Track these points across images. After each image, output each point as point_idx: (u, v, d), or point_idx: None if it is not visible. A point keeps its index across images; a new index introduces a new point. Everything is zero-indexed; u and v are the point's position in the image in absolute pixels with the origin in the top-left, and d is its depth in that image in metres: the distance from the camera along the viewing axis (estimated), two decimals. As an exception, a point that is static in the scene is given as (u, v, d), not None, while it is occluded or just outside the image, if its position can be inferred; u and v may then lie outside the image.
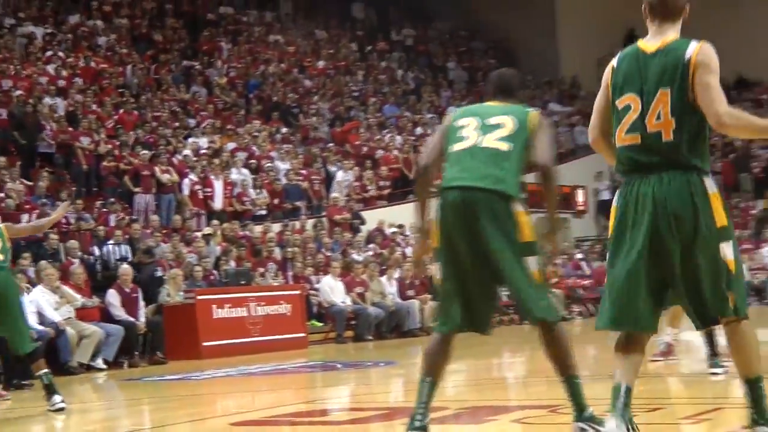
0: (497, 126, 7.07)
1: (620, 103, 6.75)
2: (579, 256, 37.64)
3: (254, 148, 34.65)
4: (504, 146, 6.98)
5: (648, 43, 6.86)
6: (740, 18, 46.75)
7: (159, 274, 23.41)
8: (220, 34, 42.26)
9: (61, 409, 11.42)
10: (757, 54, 47.42)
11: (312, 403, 12.74)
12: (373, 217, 30.99)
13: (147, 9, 41.07)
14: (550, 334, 7.02)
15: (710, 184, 6.47)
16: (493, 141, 6.99)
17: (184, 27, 41.39)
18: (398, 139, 36.87)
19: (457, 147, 7.11)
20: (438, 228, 6.99)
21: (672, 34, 6.75)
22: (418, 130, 39.16)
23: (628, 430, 6.47)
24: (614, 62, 7.05)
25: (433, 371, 7.08)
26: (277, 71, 41.15)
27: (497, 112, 7.26)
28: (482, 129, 7.08)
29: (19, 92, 30.05)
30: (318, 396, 14.06)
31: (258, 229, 29.93)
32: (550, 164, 7.12)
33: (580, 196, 42.79)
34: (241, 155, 33.30)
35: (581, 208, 42.79)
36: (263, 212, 31.73)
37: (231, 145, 33.94)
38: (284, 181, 33.44)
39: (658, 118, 6.50)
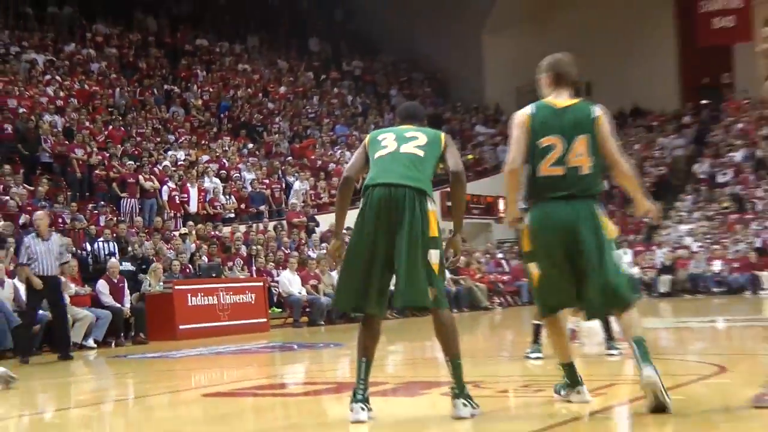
0: (413, 138, 7.46)
1: (542, 143, 7.48)
2: (500, 255, 37.78)
3: (224, 160, 34.69)
4: (420, 152, 7.34)
5: (556, 101, 7.72)
6: (635, 56, 46.87)
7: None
8: (196, 62, 42.18)
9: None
10: (650, 88, 47.59)
11: (272, 378, 12.74)
12: (325, 221, 30.90)
13: (133, 40, 41.06)
14: (440, 320, 7.19)
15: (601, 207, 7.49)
16: (411, 148, 7.36)
17: (165, 56, 41.35)
18: (347, 154, 36.74)
19: (379, 154, 7.38)
20: (361, 221, 7.22)
21: (569, 95, 7.75)
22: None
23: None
24: (529, 111, 7.68)
25: (368, 352, 7.32)
26: (244, 95, 41.17)
27: (411, 130, 7.60)
28: (400, 140, 7.41)
29: (22, 110, 30.07)
30: (277, 372, 14.07)
31: (227, 229, 30.04)
32: (461, 170, 7.50)
33: (501, 204, 42.85)
34: (213, 166, 33.38)
35: (502, 215, 42.81)
36: (231, 215, 31.85)
37: (204, 158, 33.98)
38: (249, 189, 33.55)
39: (578, 156, 7.36)
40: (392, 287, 7.37)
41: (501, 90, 49.74)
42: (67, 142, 29.53)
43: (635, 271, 35.88)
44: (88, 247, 24.00)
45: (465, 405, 7.01)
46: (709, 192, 42.11)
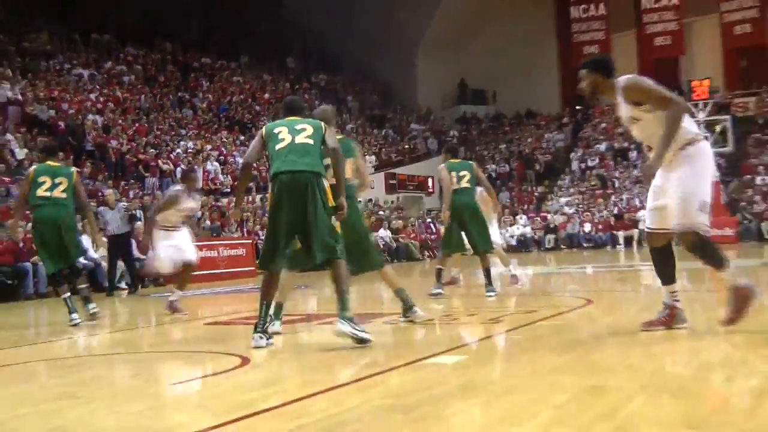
0: (303, 129, 7.36)
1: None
2: (429, 220, 37.78)
3: (223, 149, 34.80)
4: (310, 141, 7.29)
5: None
6: (528, 72, 46.94)
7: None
8: (201, 76, 41.98)
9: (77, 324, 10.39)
10: (539, 95, 47.73)
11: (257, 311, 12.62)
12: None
13: (154, 59, 40.81)
14: (338, 267, 7.21)
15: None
16: (303, 139, 7.28)
17: (178, 71, 41.11)
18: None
19: (279, 146, 7.30)
20: (272, 199, 7.30)
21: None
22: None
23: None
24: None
25: (269, 297, 7.49)
26: (237, 100, 41.05)
27: (298, 122, 7.48)
28: (293, 132, 7.33)
29: (72, 111, 30.24)
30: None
31: (224, 200, 29.91)
32: (337, 146, 7.47)
33: (429, 182, 42.87)
34: (214, 153, 33.47)
35: (431, 190, 42.86)
36: (227, 190, 31.69)
37: (208, 147, 33.94)
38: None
39: None
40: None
41: (430, 97, 49.78)
42: (105, 135, 29.92)
43: (528, 231, 36.12)
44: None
45: (343, 323, 6.94)
46: (581, 173, 42.39)
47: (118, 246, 19.79)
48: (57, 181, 9.86)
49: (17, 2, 37.99)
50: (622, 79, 6.59)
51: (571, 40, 47.00)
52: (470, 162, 13.40)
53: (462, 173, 12.71)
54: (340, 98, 46.63)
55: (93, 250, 18.68)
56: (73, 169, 10.07)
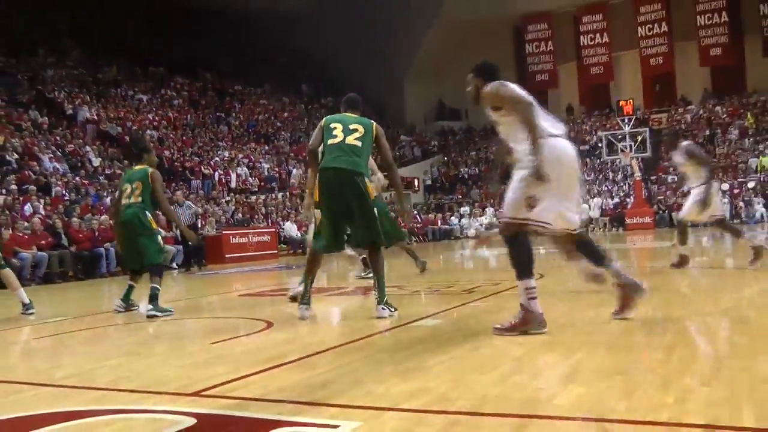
0: (354, 130, 6.80)
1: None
2: (415, 212, 37.80)
3: (252, 156, 34.69)
4: (359, 143, 6.73)
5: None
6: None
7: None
8: (234, 99, 41.93)
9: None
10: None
11: (280, 285, 12.66)
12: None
13: (197, 86, 40.76)
14: (377, 252, 6.88)
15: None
16: (353, 140, 6.73)
17: (216, 95, 41.06)
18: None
19: (330, 141, 6.75)
20: (319, 190, 6.72)
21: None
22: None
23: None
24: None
25: (313, 273, 7.07)
26: (263, 118, 40.99)
27: (353, 121, 6.91)
28: (345, 131, 6.78)
29: (134, 128, 30.18)
30: (283, 282, 13.95)
31: (253, 198, 29.93)
32: (393, 162, 7.10)
33: (416, 182, 42.89)
34: (245, 160, 33.34)
35: (416, 188, 42.88)
36: (256, 189, 31.70)
37: (240, 156, 33.82)
38: (266, 173, 33.41)
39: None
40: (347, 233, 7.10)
41: (415, 114, 49.80)
42: (159, 147, 29.76)
43: (494, 221, 36.15)
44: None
45: (383, 309, 6.69)
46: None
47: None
48: (134, 186, 9.01)
49: (92, 43, 38.07)
50: (487, 86, 5.61)
51: (526, 69, 47.21)
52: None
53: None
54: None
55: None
56: (149, 169, 9.03)
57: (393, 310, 6.74)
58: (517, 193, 5.24)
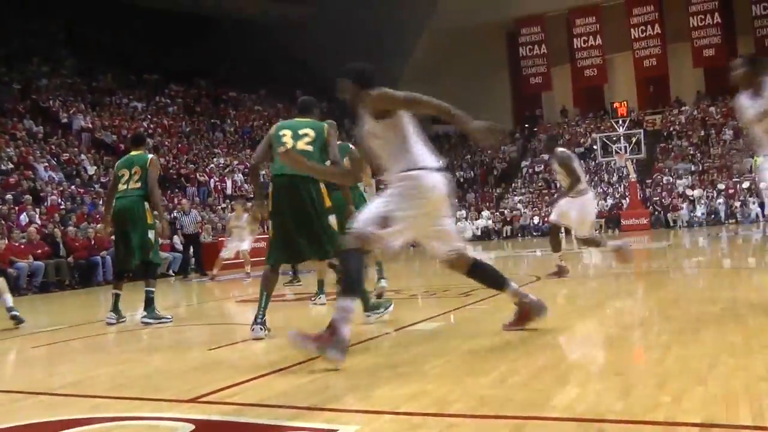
0: (305, 135, 6.48)
1: None
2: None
3: (247, 163, 34.55)
4: (309, 148, 6.37)
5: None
6: (487, 98, 47.00)
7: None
8: (229, 106, 41.89)
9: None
10: (495, 117, 47.43)
11: (279, 291, 12.58)
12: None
13: (192, 93, 40.72)
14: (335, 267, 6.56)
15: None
16: (303, 145, 6.38)
17: (211, 102, 41.06)
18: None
19: (280, 149, 6.27)
20: (271, 200, 6.41)
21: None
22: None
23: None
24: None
25: (269, 289, 6.55)
26: (258, 124, 40.88)
27: (303, 126, 6.60)
28: (295, 137, 6.46)
29: (129, 135, 30.04)
30: (279, 288, 13.91)
31: (249, 204, 29.92)
32: (338, 160, 6.55)
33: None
34: (240, 167, 33.20)
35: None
36: (251, 196, 31.67)
37: (235, 162, 33.73)
38: (263, 179, 33.38)
39: None
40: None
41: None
42: (155, 154, 29.48)
43: (489, 224, 36.16)
44: (168, 216, 23.77)
45: (368, 315, 6.52)
46: (530, 177, 42.44)
47: (190, 242, 21.32)
48: (133, 171, 8.40)
49: (88, 51, 38.07)
50: (373, 90, 5.10)
51: (520, 72, 47.30)
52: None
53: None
54: (338, 122, 46.59)
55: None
56: (150, 155, 8.49)
57: (383, 310, 6.59)
58: (379, 209, 4.89)
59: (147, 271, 8.23)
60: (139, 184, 8.24)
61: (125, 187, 8.25)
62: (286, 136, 6.50)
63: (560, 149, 10.28)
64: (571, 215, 9.95)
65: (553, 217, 10.02)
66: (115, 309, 8.30)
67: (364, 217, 4.84)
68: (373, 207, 4.94)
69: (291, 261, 7.02)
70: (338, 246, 5.81)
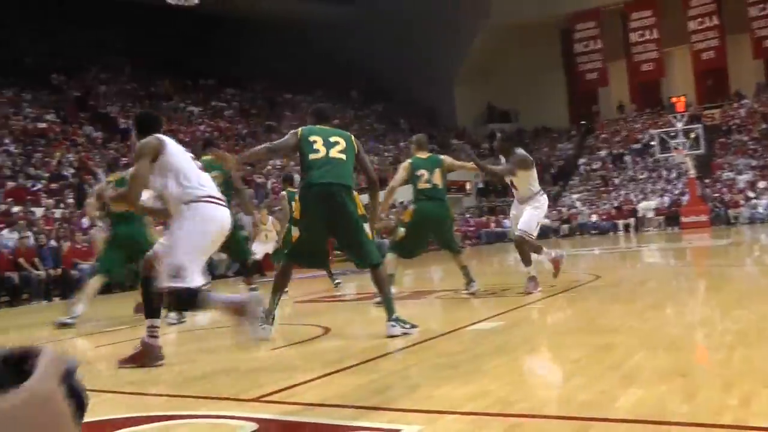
0: (336, 143, 6.36)
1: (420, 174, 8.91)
2: (468, 215, 37.85)
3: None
4: (343, 157, 6.30)
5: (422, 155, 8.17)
6: (543, 96, 46.71)
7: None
8: (285, 108, 42.25)
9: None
10: (552, 114, 47.45)
11: (337, 290, 12.60)
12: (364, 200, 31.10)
13: (248, 96, 41.17)
14: (377, 271, 6.31)
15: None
16: (336, 153, 6.28)
17: (267, 105, 41.44)
18: (375, 159, 36.66)
19: (313, 156, 6.23)
20: (302, 206, 6.35)
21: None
22: (387, 154, 39.23)
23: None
24: (410, 161, 8.80)
25: (282, 287, 6.77)
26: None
27: (332, 134, 6.47)
28: (327, 145, 6.31)
29: (187, 139, 30.46)
30: (340, 287, 13.90)
31: (275, 207, 30.16)
32: (375, 176, 6.67)
33: (468, 186, 42.78)
34: (297, 168, 33.34)
35: (469, 192, 42.75)
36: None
37: (291, 163, 33.89)
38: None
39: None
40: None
41: (465, 117, 49.58)
42: (211, 157, 29.92)
43: (547, 222, 35.94)
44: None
45: (393, 326, 6.12)
46: (587, 175, 42.04)
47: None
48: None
49: (144, 58, 38.74)
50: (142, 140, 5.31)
51: (575, 68, 46.86)
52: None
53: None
54: (394, 122, 46.58)
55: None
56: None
57: (408, 327, 6.18)
58: (166, 254, 5.13)
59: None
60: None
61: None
62: (318, 142, 6.36)
63: (519, 150, 9.52)
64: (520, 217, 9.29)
65: (517, 233, 9.31)
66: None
67: (171, 249, 5.12)
68: (175, 237, 5.16)
69: (312, 266, 7.30)
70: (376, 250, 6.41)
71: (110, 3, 38.43)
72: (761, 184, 33.61)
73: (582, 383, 3.77)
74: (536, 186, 9.37)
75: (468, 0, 44.17)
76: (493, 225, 36.66)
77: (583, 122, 46.62)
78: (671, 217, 33.07)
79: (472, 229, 34.99)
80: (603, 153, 43.20)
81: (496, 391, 3.71)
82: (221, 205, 5.37)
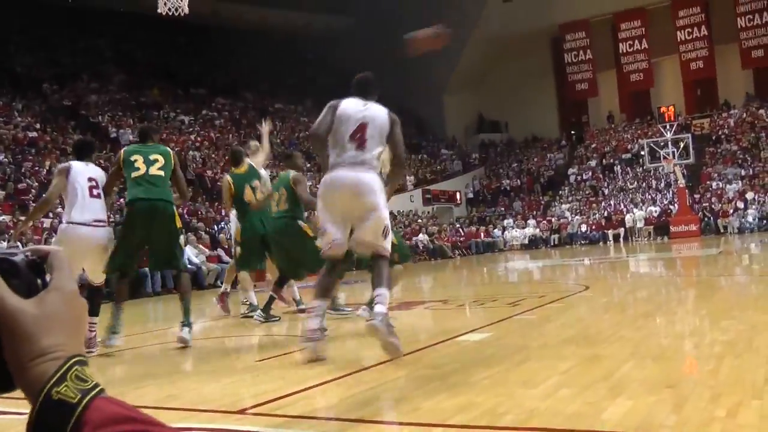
0: (156, 160, 6.94)
1: None
2: (458, 225, 37.80)
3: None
4: (161, 173, 6.90)
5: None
6: (533, 106, 46.82)
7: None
8: (276, 117, 42.17)
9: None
10: (542, 124, 47.60)
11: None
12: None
13: (239, 106, 41.12)
14: (181, 279, 7.28)
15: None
16: (155, 170, 6.89)
17: (258, 114, 41.35)
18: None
19: (134, 174, 6.91)
20: (130, 225, 6.98)
21: None
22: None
23: None
24: None
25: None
26: (304, 135, 41.12)
27: (153, 152, 7.06)
28: (147, 163, 6.91)
29: (177, 149, 30.38)
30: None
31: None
32: (186, 193, 7.51)
33: (457, 195, 42.81)
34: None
35: (459, 202, 42.80)
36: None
37: (282, 173, 33.95)
38: (308, 190, 33.65)
39: None
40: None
41: (455, 127, 49.72)
42: (202, 167, 29.87)
43: (537, 232, 35.96)
44: (215, 228, 23.85)
45: (183, 331, 6.99)
46: (577, 185, 42.13)
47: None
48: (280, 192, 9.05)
49: (135, 67, 38.67)
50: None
51: (565, 78, 47.05)
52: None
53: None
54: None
55: (194, 257, 19.02)
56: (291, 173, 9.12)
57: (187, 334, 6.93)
58: None
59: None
60: (286, 206, 9.02)
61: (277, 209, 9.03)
62: (138, 161, 7.07)
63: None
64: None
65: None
66: (267, 308, 8.92)
67: None
68: None
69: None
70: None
71: (102, 12, 38.46)
72: (750, 194, 33.74)
73: (570, 394, 3.75)
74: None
75: (458, 10, 44.28)
76: (482, 235, 36.72)
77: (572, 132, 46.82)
78: (661, 227, 33.17)
79: (462, 239, 35.02)
80: (593, 163, 43.33)
81: (483, 402, 3.68)
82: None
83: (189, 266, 18.05)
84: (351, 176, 5.38)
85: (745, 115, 41.57)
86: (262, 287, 11.75)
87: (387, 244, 5.46)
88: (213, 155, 32.88)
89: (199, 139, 33.97)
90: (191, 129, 35.08)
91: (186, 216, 22.02)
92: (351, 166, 5.42)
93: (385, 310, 5.10)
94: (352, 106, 5.61)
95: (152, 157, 6.99)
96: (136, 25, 38.99)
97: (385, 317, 5.05)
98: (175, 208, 7.01)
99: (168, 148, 7.30)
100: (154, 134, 7.51)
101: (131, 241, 7.00)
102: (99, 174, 7.22)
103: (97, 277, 7.19)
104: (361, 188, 5.36)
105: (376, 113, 5.57)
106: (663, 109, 37.15)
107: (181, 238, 7.30)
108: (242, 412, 3.95)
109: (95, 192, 6.97)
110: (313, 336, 5.39)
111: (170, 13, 20.28)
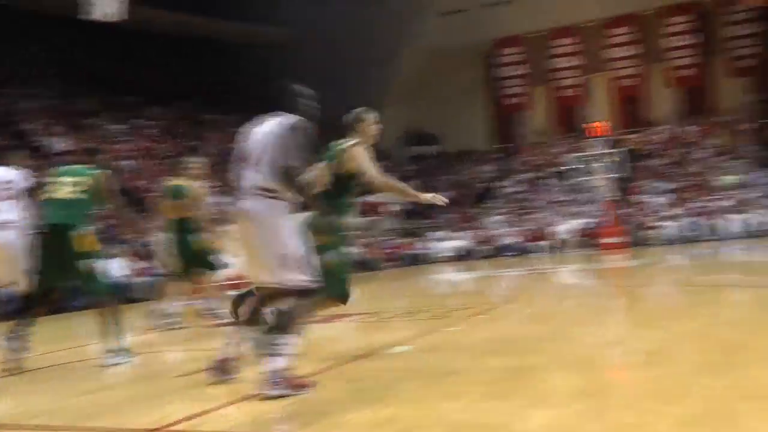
0: (68, 183, 6.82)
1: None
2: (388, 237, 37.93)
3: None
4: (73, 195, 6.75)
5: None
6: (466, 119, 47.24)
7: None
8: (210, 128, 41.83)
9: None
10: (473, 137, 48.02)
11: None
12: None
13: (173, 116, 40.62)
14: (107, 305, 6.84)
15: None
16: (65, 194, 6.76)
17: (192, 125, 40.93)
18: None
19: (46, 197, 6.84)
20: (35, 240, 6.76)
21: None
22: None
23: None
24: None
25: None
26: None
27: (68, 175, 6.96)
28: (59, 185, 6.82)
29: (108, 157, 29.94)
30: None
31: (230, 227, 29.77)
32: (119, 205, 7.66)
33: (389, 207, 42.94)
34: (223, 187, 33.06)
35: (390, 213, 42.94)
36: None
37: (219, 183, 33.65)
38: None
39: None
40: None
41: (389, 139, 49.80)
42: (135, 176, 29.28)
43: (467, 244, 36.15)
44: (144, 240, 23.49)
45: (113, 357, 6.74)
46: (508, 197, 42.60)
47: None
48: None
49: (66, 75, 37.97)
50: None
51: (499, 93, 47.66)
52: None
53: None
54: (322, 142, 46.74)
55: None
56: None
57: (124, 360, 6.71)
58: None
59: None
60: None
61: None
62: (57, 183, 6.95)
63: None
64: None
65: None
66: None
67: None
68: None
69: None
70: None
71: (34, 17, 37.67)
72: (674, 208, 34.62)
73: (494, 405, 3.74)
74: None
75: (394, 24, 44.47)
76: (412, 247, 36.87)
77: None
78: (590, 239, 33.67)
79: (389, 251, 35.09)
80: (525, 176, 43.84)
81: (408, 416, 3.65)
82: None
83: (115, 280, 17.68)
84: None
85: (673, 132, 42.69)
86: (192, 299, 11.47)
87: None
88: (146, 164, 32.37)
89: (131, 148, 33.45)
90: (124, 138, 34.51)
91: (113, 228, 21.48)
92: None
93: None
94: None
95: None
96: (68, 30, 38.18)
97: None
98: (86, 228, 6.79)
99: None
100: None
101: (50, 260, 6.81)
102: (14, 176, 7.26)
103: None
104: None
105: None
106: (594, 124, 37.98)
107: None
108: (159, 429, 3.86)
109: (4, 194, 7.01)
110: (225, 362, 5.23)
111: (104, 20, 19.98)
